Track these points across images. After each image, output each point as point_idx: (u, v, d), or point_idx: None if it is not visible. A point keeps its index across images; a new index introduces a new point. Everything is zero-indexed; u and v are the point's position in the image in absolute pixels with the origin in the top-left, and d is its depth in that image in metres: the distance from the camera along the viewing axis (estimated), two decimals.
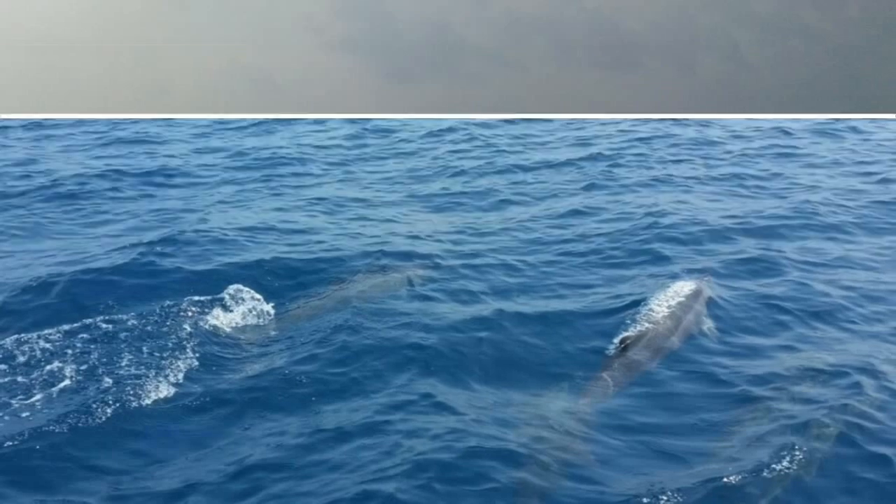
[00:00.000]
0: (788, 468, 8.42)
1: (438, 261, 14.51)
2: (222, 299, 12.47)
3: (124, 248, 15.08)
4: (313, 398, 10.14)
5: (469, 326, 11.86)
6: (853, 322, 11.98)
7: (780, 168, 20.90)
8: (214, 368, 10.77)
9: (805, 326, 11.89)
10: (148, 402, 9.85)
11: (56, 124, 29.91)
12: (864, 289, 13.00)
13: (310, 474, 8.57)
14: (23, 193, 19.80)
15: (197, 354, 10.92)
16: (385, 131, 27.83)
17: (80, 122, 30.15)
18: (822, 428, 9.08)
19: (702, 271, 13.67)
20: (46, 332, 11.46)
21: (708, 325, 11.84)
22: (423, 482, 8.26)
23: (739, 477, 8.29)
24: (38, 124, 29.70)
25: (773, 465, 8.46)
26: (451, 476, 8.38)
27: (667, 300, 12.14)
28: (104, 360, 10.73)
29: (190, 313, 12.09)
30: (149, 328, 11.61)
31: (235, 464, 8.80)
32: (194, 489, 8.42)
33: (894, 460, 8.58)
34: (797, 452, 8.63)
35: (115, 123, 29.83)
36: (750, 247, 15.00)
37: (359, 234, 16.40)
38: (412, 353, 11.11)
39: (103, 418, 9.49)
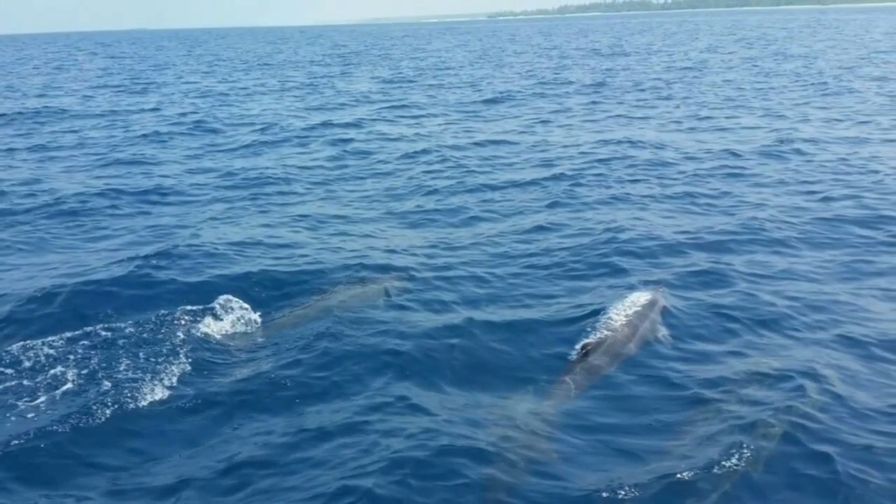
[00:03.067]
0: (737, 465, 8.46)
1: (413, 273, 14.52)
2: (213, 309, 12.45)
3: (122, 261, 15.06)
4: (297, 400, 10.12)
5: (441, 334, 11.86)
6: (797, 330, 12.04)
7: (729, 187, 21.05)
8: (206, 373, 10.74)
9: (752, 334, 11.94)
10: (144, 403, 9.82)
11: (59, 146, 29.88)
12: (807, 299, 13.06)
13: (294, 471, 8.56)
14: (28, 210, 19.80)
15: (190, 360, 10.89)
16: (364, 153, 28.00)
17: (82, 145, 30.13)
18: (768, 428, 9.11)
19: (657, 283, 13.71)
20: (50, 338, 11.43)
21: (662, 332, 11.88)
22: (399, 478, 8.26)
23: (691, 473, 8.32)
24: (42, 146, 29.69)
25: (723, 463, 8.48)
26: (425, 472, 8.37)
27: (624, 309, 12.16)
28: (103, 364, 10.69)
29: (183, 322, 12.06)
30: (145, 335, 11.58)
31: (225, 461, 8.78)
32: (187, 484, 8.40)
33: (835, 458, 8.61)
34: (745, 450, 8.66)
35: (114, 146, 29.83)
36: (701, 260, 15.07)
37: (339, 248, 16.40)
38: (389, 359, 11.11)
39: (102, 419, 9.46)
